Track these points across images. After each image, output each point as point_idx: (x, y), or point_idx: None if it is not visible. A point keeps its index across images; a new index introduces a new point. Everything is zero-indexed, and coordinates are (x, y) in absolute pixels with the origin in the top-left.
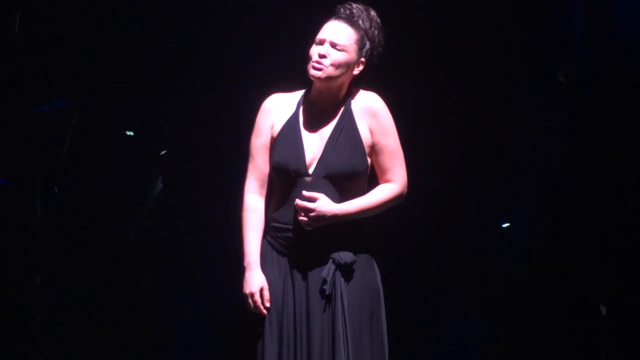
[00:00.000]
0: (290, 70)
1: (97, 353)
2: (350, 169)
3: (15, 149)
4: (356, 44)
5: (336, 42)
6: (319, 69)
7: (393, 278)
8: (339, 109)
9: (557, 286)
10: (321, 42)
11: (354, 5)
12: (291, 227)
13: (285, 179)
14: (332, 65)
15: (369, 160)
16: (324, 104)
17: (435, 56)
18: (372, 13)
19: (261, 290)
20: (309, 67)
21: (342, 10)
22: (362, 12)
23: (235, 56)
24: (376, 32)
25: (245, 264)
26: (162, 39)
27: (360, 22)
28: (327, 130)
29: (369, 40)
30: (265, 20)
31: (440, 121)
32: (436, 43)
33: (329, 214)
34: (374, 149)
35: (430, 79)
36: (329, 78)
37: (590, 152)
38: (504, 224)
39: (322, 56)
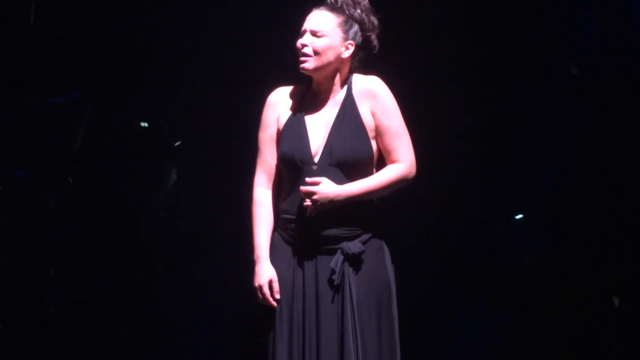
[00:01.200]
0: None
1: (113, 342)
2: (355, 155)
3: (28, 141)
4: (338, 27)
5: (316, 30)
6: (305, 61)
7: (400, 271)
8: (341, 96)
9: (561, 283)
10: (302, 33)
11: None
12: (300, 217)
13: (293, 169)
14: (315, 52)
15: (374, 145)
16: (325, 93)
17: (437, 51)
18: None
19: (270, 283)
20: (298, 60)
21: (326, 1)
22: None
23: (249, 48)
24: (364, 15)
25: (255, 257)
26: (176, 32)
27: (345, 7)
28: (331, 118)
29: (357, 22)
30: (282, 13)
31: (441, 118)
32: (437, 38)
33: (331, 195)
34: (377, 131)
35: (431, 74)
36: (317, 68)
37: (594, 149)
38: (517, 215)
39: (304, 46)
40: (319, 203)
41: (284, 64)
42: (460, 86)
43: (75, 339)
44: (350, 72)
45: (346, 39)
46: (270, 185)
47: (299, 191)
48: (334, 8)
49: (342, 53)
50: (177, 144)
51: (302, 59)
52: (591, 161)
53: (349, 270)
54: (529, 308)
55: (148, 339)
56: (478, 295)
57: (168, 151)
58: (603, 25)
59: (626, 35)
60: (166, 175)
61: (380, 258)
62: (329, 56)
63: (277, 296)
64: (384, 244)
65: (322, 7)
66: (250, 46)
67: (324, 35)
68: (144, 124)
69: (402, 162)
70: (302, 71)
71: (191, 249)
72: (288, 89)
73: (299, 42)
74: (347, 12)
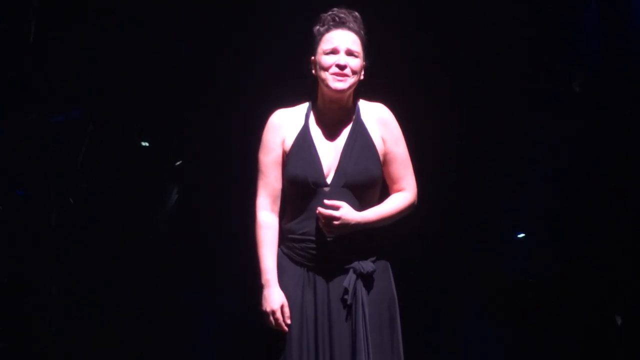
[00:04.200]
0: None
1: (113, 342)
2: (368, 178)
3: (30, 158)
4: (363, 49)
5: (352, 50)
6: (342, 80)
7: (401, 287)
8: (349, 118)
9: (562, 294)
10: (335, 51)
11: (338, 11)
12: (311, 237)
13: (303, 191)
14: (353, 74)
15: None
16: (334, 113)
17: (438, 58)
18: (357, 15)
19: (282, 307)
20: (327, 78)
21: (333, 18)
22: (348, 16)
23: (252, 68)
24: (364, 34)
25: (264, 281)
26: (179, 50)
27: (358, 28)
28: (341, 139)
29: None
30: (283, 34)
31: (444, 126)
32: (438, 43)
33: (352, 222)
34: (386, 158)
35: (433, 81)
36: (348, 89)
37: (599, 157)
38: (519, 234)
39: (343, 66)
40: (339, 228)
41: (297, 81)
42: (459, 93)
43: (75, 340)
44: (355, 93)
45: (364, 61)
46: (275, 208)
47: (310, 212)
48: (351, 28)
49: (361, 75)
50: (177, 163)
51: (339, 78)
52: (593, 170)
53: (362, 290)
54: (530, 319)
55: (148, 339)
56: (478, 306)
57: (180, 164)
58: (603, 26)
59: (626, 36)
60: (175, 189)
61: (387, 276)
62: (358, 77)
63: (288, 321)
64: (388, 263)
65: (345, 28)
66: (264, 62)
67: (358, 56)
68: (145, 143)
69: (408, 190)
70: (332, 90)
71: (193, 250)
72: (289, 110)
73: (335, 61)
74: (357, 30)
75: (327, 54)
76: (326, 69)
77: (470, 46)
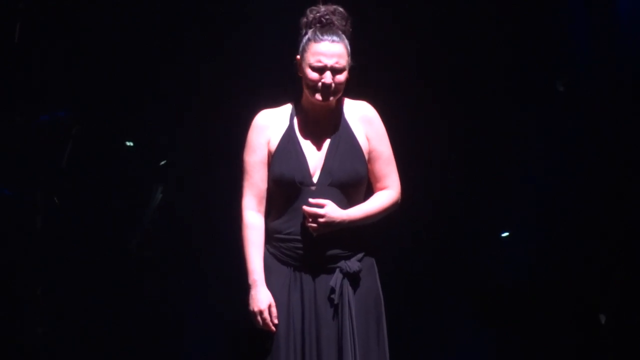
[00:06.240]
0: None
1: (110, 344)
2: (354, 176)
3: (15, 159)
4: (348, 56)
5: (337, 67)
6: (327, 97)
7: (389, 288)
8: (334, 118)
9: (556, 297)
10: (322, 70)
11: (323, 9)
12: (297, 237)
13: (289, 190)
14: (338, 90)
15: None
16: (318, 112)
17: (430, 61)
18: (342, 10)
19: (269, 307)
20: (312, 91)
21: (319, 20)
22: (333, 15)
23: (237, 69)
24: (350, 29)
25: (251, 281)
26: (164, 50)
27: (342, 27)
28: (326, 139)
29: (349, 42)
30: (267, 35)
31: (437, 129)
32: (425, 43)
33: (337, 220)
34: (370, 156)
35: (420, 82)
36: (334, 99)
37: (591, 160)
38: (503, 233)
39: (329, 85)
40: (324, 225)
41: (273, 77)
42: (448, 95)
43: (62, 342)
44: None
45: (350, 63)
46: (261, 208)
47: (295, 211)
48: (338, 34)
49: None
50: (162, 163)
51: (325, 95)
52: (583, 172)
53: (348, 289)
54: (520, 321)
55: (136, 340)
56: (468, 307)
57: (165, 163)
58: (593, 35)
59: (614, 37)
60: (160, 188)
61: (373, 275)
62: (344, 87)
63: (276, 321)
64: (374, 261)
65: (333, 38)
66: (241, 61)
67: (344, 70)
68: (130, 143)
69: (393, 188)
70: (317, 102)
71: (179, 251)
72: (274, 111)
73: (321, 79)
74: (343, 31)
75: (313, 69)
76: (311, 85)
77: (457, 46)
